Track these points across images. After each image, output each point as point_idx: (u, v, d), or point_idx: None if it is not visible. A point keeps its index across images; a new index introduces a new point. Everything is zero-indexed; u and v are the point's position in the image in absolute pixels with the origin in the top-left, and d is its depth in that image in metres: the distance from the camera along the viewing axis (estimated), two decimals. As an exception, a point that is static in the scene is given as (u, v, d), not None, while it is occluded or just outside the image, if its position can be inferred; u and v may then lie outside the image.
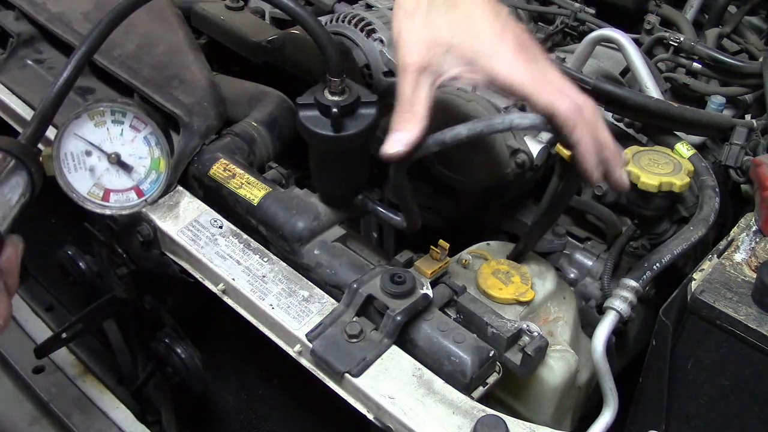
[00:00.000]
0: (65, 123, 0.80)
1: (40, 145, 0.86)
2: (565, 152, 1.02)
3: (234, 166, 1.09)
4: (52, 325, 1.61)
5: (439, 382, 0.86)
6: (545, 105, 0.81)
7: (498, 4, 0.85)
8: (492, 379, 0.89)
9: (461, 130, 0.83)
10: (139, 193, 0.83)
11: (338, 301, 0.93)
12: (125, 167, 0.82)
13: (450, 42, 0.82)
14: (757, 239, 0.88)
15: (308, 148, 1.00)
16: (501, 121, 0.83)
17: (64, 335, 1.30)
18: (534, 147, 1.15)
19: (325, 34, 0.89)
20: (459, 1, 0.83)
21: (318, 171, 1.03)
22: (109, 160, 0.82)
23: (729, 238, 0.89)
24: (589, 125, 0.82)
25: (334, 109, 0.90)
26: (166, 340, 1.22)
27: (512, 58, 0.82)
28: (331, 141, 0.93)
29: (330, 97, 0.91)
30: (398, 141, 0.82)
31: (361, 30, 1.36)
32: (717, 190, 1.03)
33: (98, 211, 0.83)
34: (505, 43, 0.82)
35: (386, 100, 1.31)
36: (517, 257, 1.07)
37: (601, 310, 0.93)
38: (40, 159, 0.82)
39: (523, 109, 1.22)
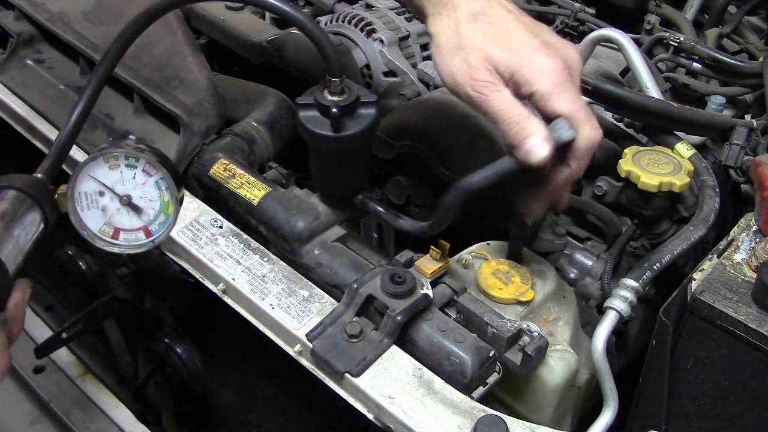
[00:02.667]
0: (81, 165, 0.83)
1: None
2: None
3: (234, 166, 1.09)
4: (52, 325, 1.61)
5: (439, 382, 0.86)
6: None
7: None
8: (492, 379, 0.89)
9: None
10: (148, 233, 0.87)
11: (338, 301, 0.93)
12: (135, 209, 0.86)
13: None
14: (757, 239, 0.88)
15: (308, 148, 1.00)
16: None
17: (64, 335, 1.30)
18: (534, 147, 1.15)
19: (323, 34, 0.89)
20: None
21: (318, 171, 1.03)
22: (120, 202, 0.85)
23: (729, 238, 0.89)
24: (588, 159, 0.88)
25: (334, 110, 0.90)
26: (166, 340, 1.22)
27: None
28: (331, 141, 0.93)
29: (329, 97, 0.91)
30: (540, 142, 0.83)
31: (361, 30, 1.36)
32: (717, 190, 1.03)
33: (107, 248, 0.87)
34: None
35: (386, 100, 1.32)
36: (513, 256, 1.07)
37: (601, 310, 0.93)
38: (55, 196, 0.85)
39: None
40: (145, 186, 0.84)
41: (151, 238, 0.86)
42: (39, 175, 0.85)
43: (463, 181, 0.89)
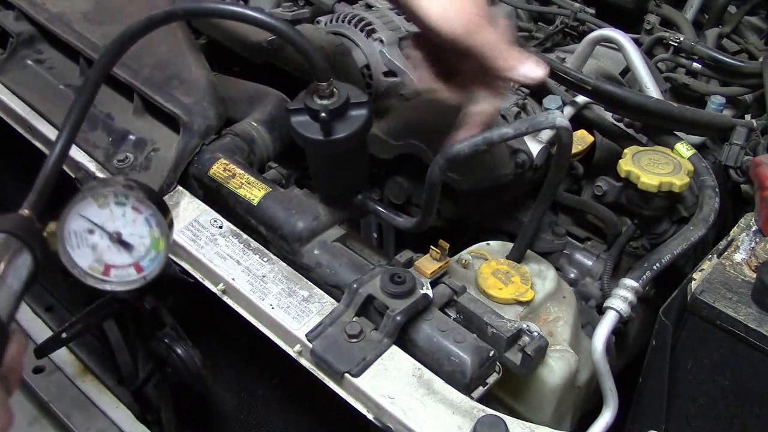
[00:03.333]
0: (70, 204, 0.82)
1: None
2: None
3: (234, 166, 1.09)
4: (52, 325, 1.61)
5: (439, 382, 0.86)
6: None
7: None
8: (492, 379, 0.89)
9: (508, 130, 0.88)
10: (139, 269, 0.85)
11: (338, 301, 0.93)
12: (126, 245, 0.84)
13: None
14: (757, 239, 0.88)
15: (305, 151, 1.00)
16: (545, 119, 0.89)
17: (64, 335, 1.30)
18: (534, 147, 1.15)
19: (305, 41, 0.88)
20: None
21: (315, 173, 1.03)
22: (110, 239, 0.83)
23: (729, 238, 0.89)
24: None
25: (323, 114, 0.90)
26: (166, 340, 1.22)
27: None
28: (322, 145, 0.93)
29: (318, 102, 0.91)
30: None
31: (361, 30, 1.36)
32: (717, 190, 1.03)
33: (98, 286, 0.85)
34: None
35: (386, 100, 1.32)
36: (516, 256, 1.07)
37: (601, 310, 0.93)
38: (44, 234, 0.84)
39: (523, 108, 1.22)
40: (135, 223, 0.83)
41: (143, 274, 0.85)
42: (26, 212, 0.83)
43: (446, 148, 0.89)
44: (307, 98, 0.92)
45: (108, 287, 0.85)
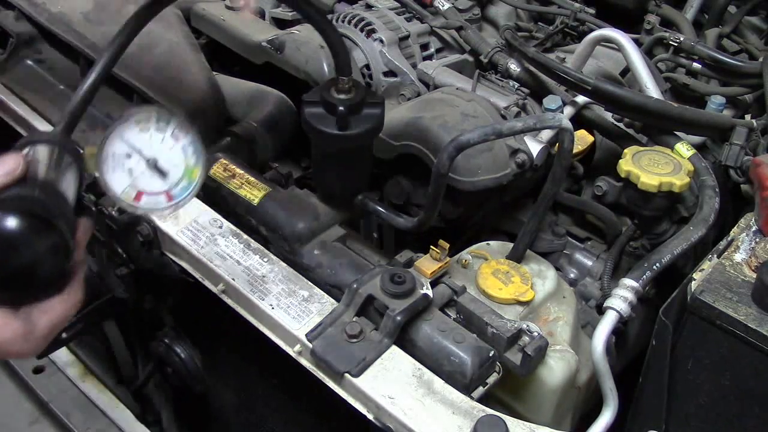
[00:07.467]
0: (112, 126, 0.83)
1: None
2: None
3: (234, 166, 1.09)
4: (52, 325, 1.61)
5: (439, 382, 0.86)
6: None
7: None
8: (492, 379, 0.89)
9: (517, 124, 0.89)
10: (169, 197, 0.86)
11: (338, 301, 0.93)
12: (160, 172, 0.85)
13: None
14: (757, 239, 0.88)
15: (311, 146, 1.00)
16: (553, 117, 0.89)
17: (64, 335, 1.30)
18: (534, 147, 1.15)
19: (335, 33, 0.90)
20: None
21: (320, 169, 1.03)
22: (146, 164, 0.84)
23: (729, 238, 0.89)
24: None
25: (341, 108, 0.90)
26: (166, 340, 1.22)
27: None
28: (336, 139, 0.93)
29: (336, 96, 0.92)
30: None
31: (361, 30, 1.36)
32: (717, 190, 1.03)
33: (129, 210, 0.86)
34: None
35: (386, 100, 1.32)
36: (516, 256, 1.07)
37: (601, 310, 0.93)
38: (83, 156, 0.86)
39: (523, 108, 1.22)
40: (172, 150, 0.84)
41: (173, 202, 0.85)
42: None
43: (456, 136, 0.89)
44: (324, 91, 0.92)
45: (139, 212, 0.86)
